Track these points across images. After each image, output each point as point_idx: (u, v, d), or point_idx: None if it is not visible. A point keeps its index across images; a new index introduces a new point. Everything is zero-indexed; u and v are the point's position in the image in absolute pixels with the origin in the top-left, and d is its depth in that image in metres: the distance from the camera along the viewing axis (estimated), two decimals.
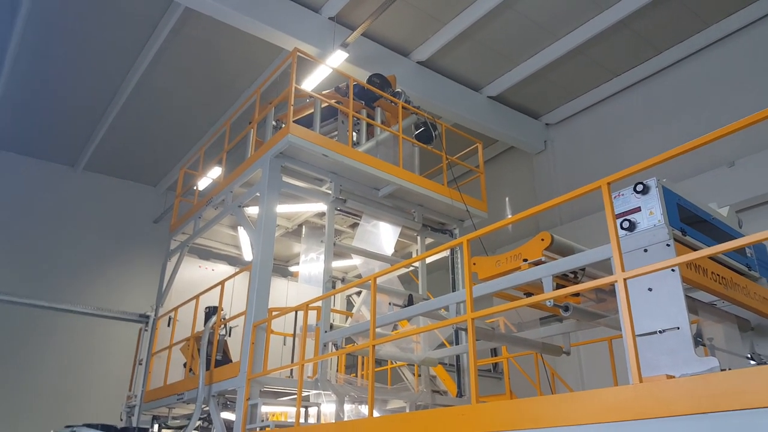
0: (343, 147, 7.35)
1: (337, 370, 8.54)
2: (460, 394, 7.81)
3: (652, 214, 3.67)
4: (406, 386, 8.90)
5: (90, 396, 12.84)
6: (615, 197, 3.70)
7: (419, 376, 8.55)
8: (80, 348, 13.54)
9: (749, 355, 3.94)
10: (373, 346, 4.49)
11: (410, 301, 6.72)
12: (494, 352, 13.32)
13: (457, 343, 7.78)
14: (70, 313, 8.68)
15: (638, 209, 3.70)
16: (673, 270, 3.32)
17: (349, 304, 10.60)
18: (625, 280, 3.01)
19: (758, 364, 3.88)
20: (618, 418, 2.64)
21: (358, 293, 10.46)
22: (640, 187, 3.67)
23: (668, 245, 3.45)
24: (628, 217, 3.66)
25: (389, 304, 7.20)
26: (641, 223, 3.66)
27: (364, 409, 6.73)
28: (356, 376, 8.65)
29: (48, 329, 13.22)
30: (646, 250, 3.54)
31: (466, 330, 4.87)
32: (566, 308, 4.16)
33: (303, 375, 5.41)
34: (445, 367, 8.85)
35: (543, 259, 4.20)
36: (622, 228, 3.65)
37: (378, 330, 5.99)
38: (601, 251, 3.69)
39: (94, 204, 14.98)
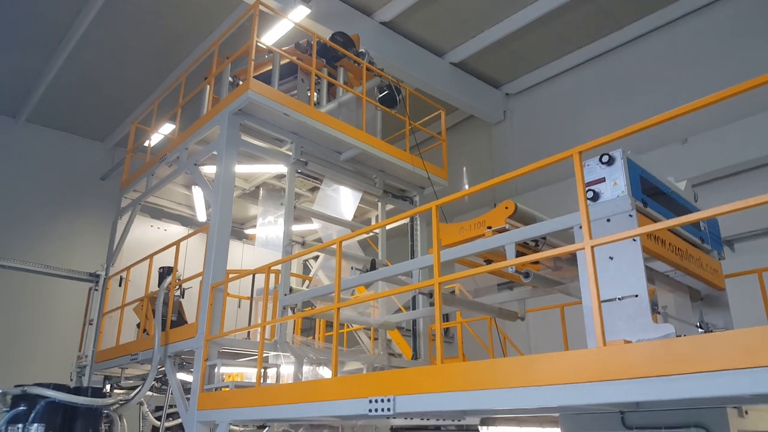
0: (305, 106, 7.18)
1: (293, 333, 8.54)
2: (415, 357, 7.96)
3: (616, 185, 3.75)
4: (362, 349, 9.01)
5: (36, 357, 12.38)
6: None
7: (375, 339, 8.66)
8: (24, 308, 12.98)
9: (698, 324, 4.15)
10: (338, 308, 4.49)
11: (373, 266, 6.73)
12: (446, 318, 13.64)
13: (414, 309, 7.88)
14: (16, 270, 8.27)
15: (603, 180, 3.78)
16: (634, 240, 3.43)
17: (306, 269, 10.56)
18: (592, 247, 3.08)
19: (705, 332, 4.10)
20: (582, 379, 2.74)
21: (315, 258, 10.42)
22: (606, 158, 3.74)
23: (631, 216, 3.56)
24: (592, 188, 3.73)
25: (351, 268, 7.20)
26: (605, 194, 3.74)
27: (322, 371, 6.77)
28: (313, 338, 8.69)
29: None
30: (609, 220, 3.63)
31: (429, 294, 4.95)
32: (527, 275, 4.26)
33: (264, 336, 5.38)
34: (401, 332, 9.01)
35: (507, 226, 4.27)
36: (586, 198, 3.73)
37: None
38: (567, 219, 3.76)
39: (37, 158, 14.18)
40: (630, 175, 3.73)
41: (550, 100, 13.19)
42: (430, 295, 4.89)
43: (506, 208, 4.36)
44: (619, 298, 3.41)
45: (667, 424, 3.46)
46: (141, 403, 7.40)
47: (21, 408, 5.77)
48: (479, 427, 4.37)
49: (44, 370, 7.57)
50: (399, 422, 7.55)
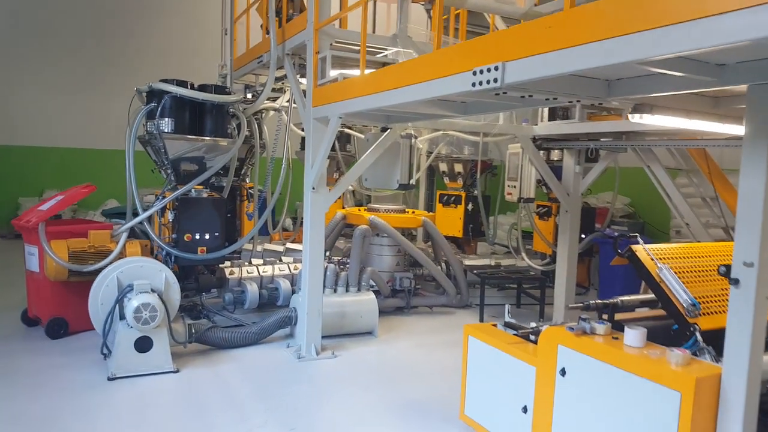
0: None
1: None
2: None
3: None
4: None
5: (173, 65, 12.78)
6: None
7: None
8: (150, 15, 13.55)
9: None
10: None
11: None
12: None
13: None
14: None
15: None
16: None
17: None
18: None
19: None
20: None
21: None
22: None
23: None
24: None
25: None
26: None
27: None
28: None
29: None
30: None
31: None
32: None
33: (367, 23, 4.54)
34: None
35: None
36: None
37: None
38: None
39: None
40: None
41: None
42: None
43: None
44: None
45: None
46: (278, 110, 7.35)
47: (152, 104, 5.83)
48: (629, 115, 3.33)
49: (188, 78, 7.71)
50: (543, 131, 6.71)
